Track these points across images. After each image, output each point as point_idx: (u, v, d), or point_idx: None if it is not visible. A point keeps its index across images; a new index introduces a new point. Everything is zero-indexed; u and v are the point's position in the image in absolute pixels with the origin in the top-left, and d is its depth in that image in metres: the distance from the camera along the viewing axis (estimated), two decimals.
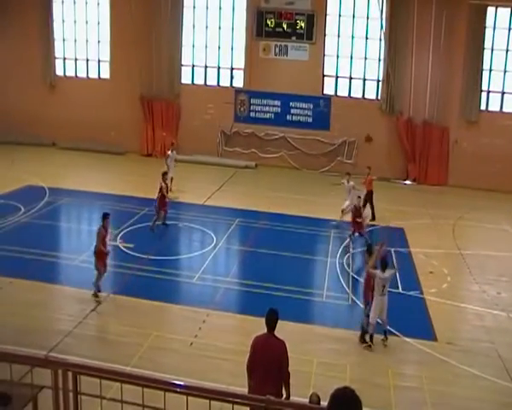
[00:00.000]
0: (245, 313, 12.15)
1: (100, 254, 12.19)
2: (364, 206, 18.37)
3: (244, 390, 7.45)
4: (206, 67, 26.48)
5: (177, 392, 3.80)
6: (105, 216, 12.36)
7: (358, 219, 16.21)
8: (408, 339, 11.46)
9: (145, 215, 17.66)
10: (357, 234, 16.26)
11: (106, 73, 27.15)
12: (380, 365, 10.60)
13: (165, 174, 17.26)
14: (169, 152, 20.71)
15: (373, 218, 18.60)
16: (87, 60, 27.48)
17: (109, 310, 11.94)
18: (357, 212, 16.30)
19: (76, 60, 27.56)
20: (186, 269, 14.42)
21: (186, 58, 26.45)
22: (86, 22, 27.09)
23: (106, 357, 9.56)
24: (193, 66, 26.57)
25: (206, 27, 26.13)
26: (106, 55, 27.03)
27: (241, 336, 11.10)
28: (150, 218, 17.41)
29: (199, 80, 26.60)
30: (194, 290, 13.29)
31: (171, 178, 19.84)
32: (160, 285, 13.19)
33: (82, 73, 27.57)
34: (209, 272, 14.20)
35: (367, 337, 11.11)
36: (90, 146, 25.93)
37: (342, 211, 17.50)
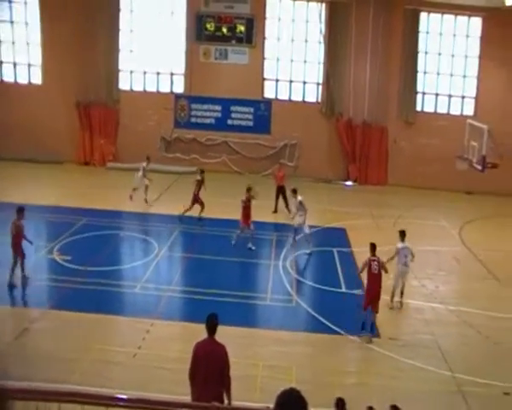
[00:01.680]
0: (189, 320, 11.97)
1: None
2: (277, 199, 19.43)
3: (188, 398, 7.39)
4: (145, 72, 26.07)
5: (119, 406, 3.65)
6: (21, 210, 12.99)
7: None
8: (352, 337, 11.60)
9: (84, 226, 17.10)
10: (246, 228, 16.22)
11: (37, 78, 25.95)
12: (325, 364, 10.69)
13: (202, 172, 18.52)
14: (143, 164, 20.00)
15: (275, 211, 19.49)
16: (14, 63, 25.96)
17: (46, 326, 11.37)
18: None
19: (1, 63, 26.02)
20: (128, 279, 14.05)
21: (124, 63, 25.94)
22: (11, 22, 25.56)
23: (43, 377, 9.04)
24: (131, 71, 26.10)
25: (145, 32, 25.73)
26: (37, 58, 25.70)
27: (185, 344, 10.86)
28: (89, 228, 16.89)
29: (138, 86, 26.14)
30: (137, 300, 12.99)
31: (147, 187, 19.55)
32: (101, 297, 12.79)
33: (9, 78, 26.03)
34: (152, 281, 13.90)
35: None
36: (25, 156, 24.75)
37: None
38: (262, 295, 13.51)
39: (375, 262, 11.49)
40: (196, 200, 18.08)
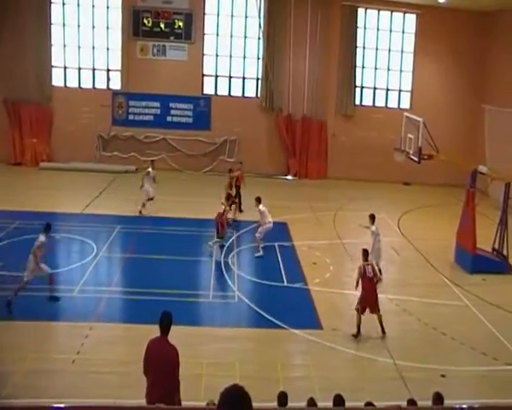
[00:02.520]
0: (130, 321, 11.73)
1: None
2: (240, 198, 19.05)
3: (132, 401, 7.43)
4: (79, 68, 25.23)
5: None
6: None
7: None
8: (295, 330, 11.65)
9: (16, 229, 16.27)
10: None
11: None
12: (268, 359, 10.67)
13: (230, 171, 19.07)
14: (149, 169, 18.78)
15: (240, 210, 19.29)
16: None
17: None
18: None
19: None
20: (65, 283, 13.40)
21: (57, 59, 24.97)
22: None
23: None
24: (65, 67, 25.19)
25: (79, 26, 24.88)
26: None
27: (126, 346, 10.66)
28: (22, 232, 16.09)
29: (73, 83, 25.28)
30: (75, 304, 12.49)
31: (152, 198, 18.41)
32: (35, 303, 12.13)
33: None
34: (90, 284, 13.43)
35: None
36: None
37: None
38: (204, 293, 13.34)
39: (369, 266, 11.72)
40: (231, 199, 17.37)
